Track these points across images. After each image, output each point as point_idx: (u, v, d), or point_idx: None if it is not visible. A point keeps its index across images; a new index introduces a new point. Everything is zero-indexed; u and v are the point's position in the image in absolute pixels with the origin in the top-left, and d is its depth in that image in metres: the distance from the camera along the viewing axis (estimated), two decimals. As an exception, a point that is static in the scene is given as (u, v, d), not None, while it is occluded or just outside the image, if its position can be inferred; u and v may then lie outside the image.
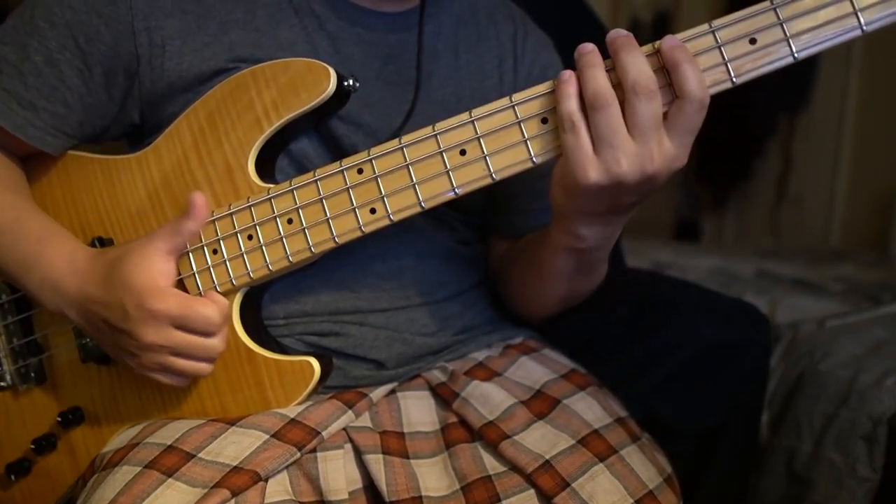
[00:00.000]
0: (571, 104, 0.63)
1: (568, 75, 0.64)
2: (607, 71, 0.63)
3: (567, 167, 0.64)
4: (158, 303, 0.66)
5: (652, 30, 3.21)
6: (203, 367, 0.71)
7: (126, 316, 0.67)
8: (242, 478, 0.66)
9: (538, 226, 0.87)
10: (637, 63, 0.61)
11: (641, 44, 0.64)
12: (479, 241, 0.94)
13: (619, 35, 0.63)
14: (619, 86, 0.62)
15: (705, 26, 0.62)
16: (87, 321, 0.72)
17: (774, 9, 0.61)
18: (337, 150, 0.78)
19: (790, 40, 0.61)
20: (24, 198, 0.79)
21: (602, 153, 0.62)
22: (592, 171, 0.63)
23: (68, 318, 0.73)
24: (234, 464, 0.67)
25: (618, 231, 0.74)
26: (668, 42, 0.61)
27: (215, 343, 0.70)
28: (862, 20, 0.60)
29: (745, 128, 2.92)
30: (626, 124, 0.62)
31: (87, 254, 0.73)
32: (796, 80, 2.87)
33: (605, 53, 0.64)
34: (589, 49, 0.63)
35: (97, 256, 0.72)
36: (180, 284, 0.73)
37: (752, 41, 0.62)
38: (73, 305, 0.72)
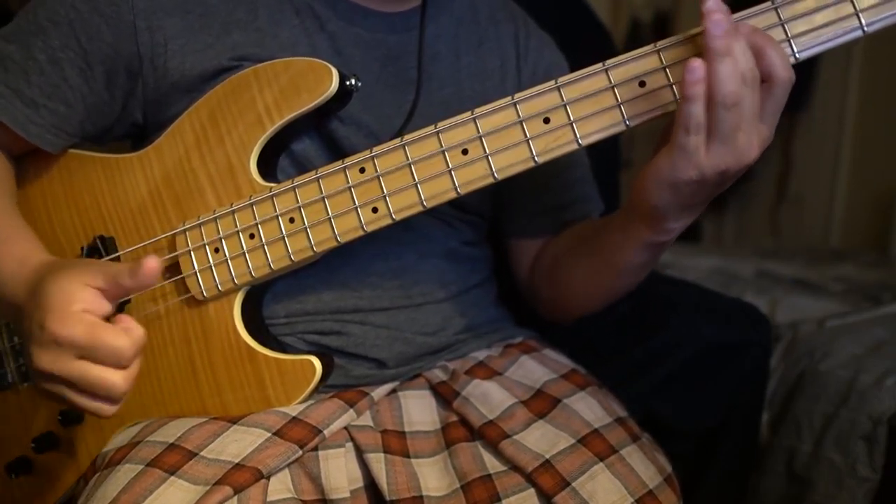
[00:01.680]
0: (699, 107, 0.59)
1: (699, 74, 0.58)
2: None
3: (677, 165, 0.62)
4: (62, 327, 0.59)
5: (652, 30, 3.22)
6: (101, 406, 0.62)
7: (31, 335, 0.62)
8: (244, 475, 0.66)
9: (567, 221, 0.87)
10: (745, 54, 0.59)
11: (642, 44, 0.64)
12: (481, 241, 0.94)
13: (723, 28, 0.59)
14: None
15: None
16: (22, 335, 0.69)
17: (776, 9, 0.61)
18: (337, 151, 0.78)
19: (791, 41, 0.61)
20: (7, 212, 0.76)
21: (715, 149, 0.61)
22: (708, 166, 0.61)
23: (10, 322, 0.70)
24: (236, 461, 0.67)
25: (696, 216, 0.72)
26: (747, 28, 0.60)
27: (117, 380, 0.61)
28: (863, 21, 0.60)
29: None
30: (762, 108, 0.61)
31: (34, 262, 0.69)
32: (796, 80, 2.87)
33: (605, 54, 0.64)
34: (722, 28, 0.58)
35: (41, 266, 0.67)
36: (181, 284, 0.73)
37: (753, 41, 0.62)
38: (10, 312, 0.70)
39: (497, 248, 0.97)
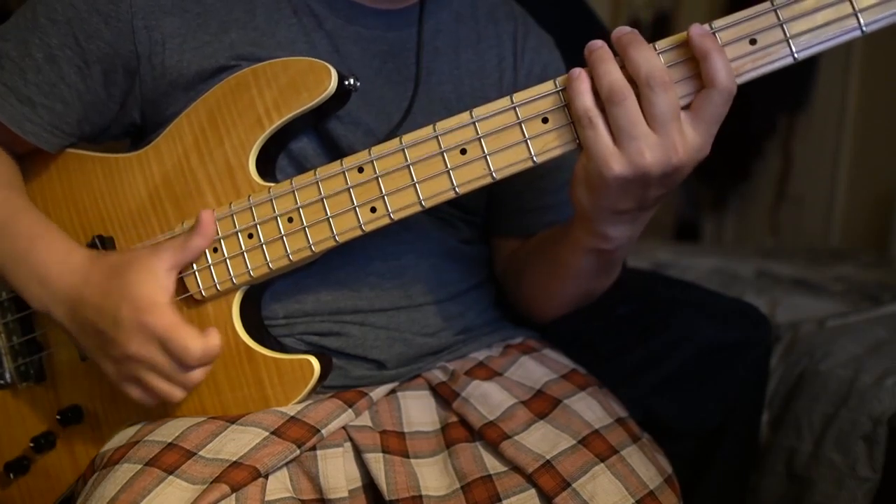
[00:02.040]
0: (586, 100, 0.63)
1: (578, 72, 0.63)
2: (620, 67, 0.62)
3: (590, 163, 0.64)
4: (153, 317, 0.67)
5: (652, 30, 3.22)
6: (174, 392, 0.71)
7: (117, 324, 0.68)
8: (241, 473, 0.66)
9: (549, 223, 0.87)
10: (648, 57, 0.61)
11: None
12: (481, 240, 0.94)
13: (623, 32, 0.62)
14: (632, 81, 0.62)
15: (706, 27, 0.62)
16: (73, 320, 0.72)
17: (775, 10, 0.61)
18: (335, 149, 0.78)
19: (790, 41, 0.61)
20: (19, 195, 0.78)
21: (624, 145, 0.62)
22: (616, 163, 0.62)
23: (53, 315, 0.73)
24: (234, 459, 0.67)
25: (641, 228, 0.73)
26: (697, 31, 0.61)
27: (194, 374, 0.70)
28: (862, 21, 0.60)
29: (745, 128, 2.92)
30: (644, 117, 0.61)
31: (83, 255, 0.73)
32: (796, 80, 2.87)
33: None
34: (599, 45, 0.63)
35: (96, 259, 0.72)
36: (180, 283, 0.73)
37: (753, 42, 0.62)
38: (61, 303, 0.72)
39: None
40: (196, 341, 0.68)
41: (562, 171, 0.91)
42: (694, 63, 0.62)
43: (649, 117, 0.61)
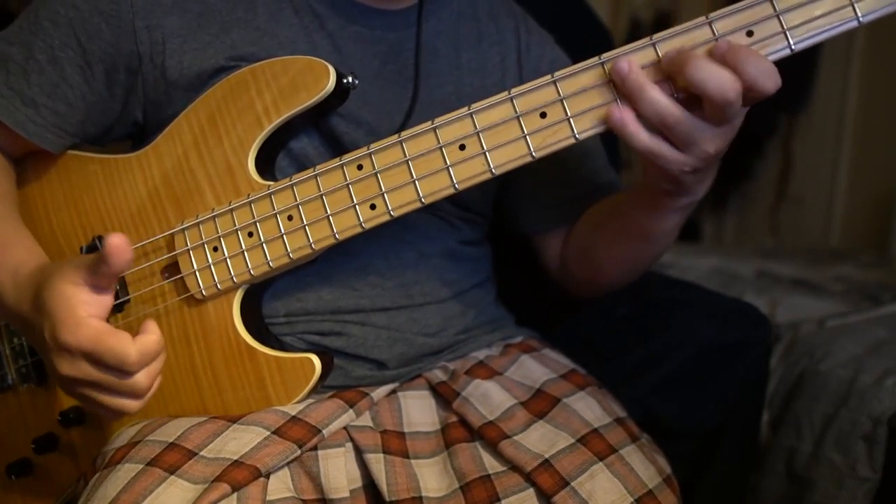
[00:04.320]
0: (642, 138, 0.64)
1: (619, 116, 0.63)
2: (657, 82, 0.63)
3: (667, 172, 0.66)
4: (69, 335, 0.61)
5: (652, 30, 3.21)
6: (128, 403, 0.64)
7: (44, 344, 0.64)
8: (242, 472, 0.66)
9: (596, 202, 0.88)
10: (716, 74, 0.60)
11: None
12: (482, 240, 0.94)
13: (680, 51, 0.62)
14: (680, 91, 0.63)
15: (702, 18, 0.62)
16: (28, 338, 0.71)
17: (771, 1, 0.61)
18: (337, 149, 0.78)
19: (787, 32, 0.61)
20: (6, 217, 0.77)
21: (690, 150, 0.64)
22: (687, 165, 0.65)
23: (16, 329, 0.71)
24: (235, 458, 0.67)
25: (715, 172, 0.73)
26: (721, 48, 0.60)
27: (138, 380, 0.62)
28: (858, 11, 0.60)
29: (745, 128, 2.92)
30: (706, 120, 0.63)
31: (28, 268, 0.69)
32: (796, 80, 2.87)
33: (604, 49, 0.64)
34: (626, 71, 0.63)
35: (35, 273, 0.68)
36: (180, 283, 0.73)
37: (750, 33, 0.62)
38: (12, 320, 0.71)
39: (497, 248, 0.97)
40: (127, 345, 0.60)
41: (594, 158, 0.92)
42: None
43: (717, 120, 0.63)
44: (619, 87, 0.63)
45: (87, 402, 0.65)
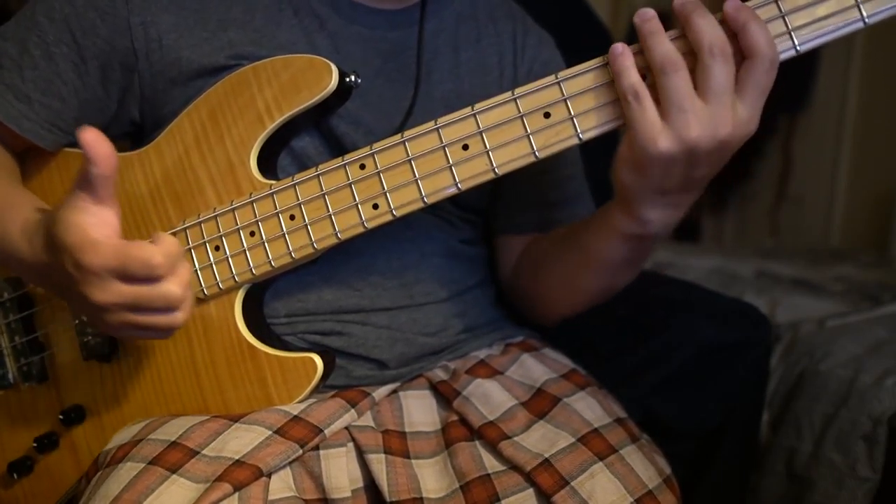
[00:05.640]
0: (633, 75, 0.62)
1: (621, 48, 0.63)
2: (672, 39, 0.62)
3: (635, 141, 0.63)
4: (91, 257, 0.60)
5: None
6: (172, 317, 0.63)
7: (70, 278, 0.62)
8: (244, 472, 0.66)
9: (569, 217, 0.86)
10: (712, 24, 0.60)
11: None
12: (481, 240, 0.94)
13: (687, 0, 0.61)
14: (685, 53, 0.61)
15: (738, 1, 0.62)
16: (53, 288, 0.69)
17: (776, 1, 0.61)
18: (338, 148, 0.78)
19: (792, 33, 0.61)
20: (6, 174, 0.77)
21: (672, 119, 0.61)
22: (663, 139, 0.61)
23: (42, 288, 0.71)
24: (236, 458, 0.67)
25: (681, 215, 0.72)
26: (732, 4, 0.60)
27: (171, 288, 0.61)
28: (864, 12, 0.60)
29: (745, 128, 2.92)
30: (697, 88, 0.61)
31: (35, 219, 0.68)
32: (796, 80, 2.87)
33: (604, 49, 0.64)
34: (650, 15, 0.62)
35: (41, 220, 0.67)
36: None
37: (755, 33, 0.61)
38: (33, 275, 0.70)
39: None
40: (151, 249, 0.60)
41: (566, 167, 0.91)
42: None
43: (704, 89, 0.60)
44: (637, 28, 0.62)
45: (126, 329, 0.64)
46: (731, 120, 0.61)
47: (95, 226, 0.60)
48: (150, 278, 0.60)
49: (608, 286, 0.84)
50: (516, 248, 0.93)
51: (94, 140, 0.58)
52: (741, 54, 0.61)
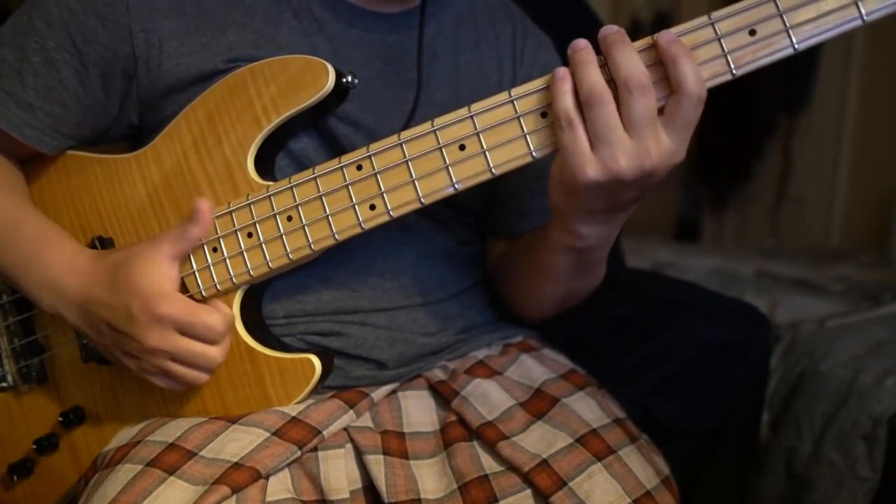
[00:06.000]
0: (567, 101, 0.62)
1: (562, 73, 0.63)
2: (601, 67, 0.62)
3: (565, 165, 0.64)
4: (165, 307, 0.67)
5: (652, 29, 3.20)
6: (200, 375, 0.71)
7: (130, 319, 0.68)
8: (242, 475, 0.66)
9: (535, 226, 0.87)
10: (629, 59, 0.60)
11: None
12: (479, 241, 0.94)
13: (610, 32, 0.62)
14: (613, 82, 0.61)
15: (704, 18, 0.62)
16: (85, 322, 0.72)
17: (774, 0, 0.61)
18: (336, 150, 0.78)
19: (790, 31, 0.61)
20: (24, 200, 0.79)
21: (599, 150, 0.62)
22: (591, 168, 0.62)
23: (65, 317, 0.73)
24: (235, 460, 0.67)
25: (617, 229, 0.74)
26: (665, 37, 0.61)
27: (215, 353, 0.70)
28: (863, 10, 0.59)
29: (745, 128, 2.93)
30: (621, 121, 0.61)
31: (88, 255, 0.73)
32: (796, 79, 2.87)
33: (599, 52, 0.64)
34: (581, 46, 0.63)
35: (100, 258, 0.73)
36: (181, 284, 0.74)
37: (752, 32, 0.61)
38: (71, 305, 0.72)
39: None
40: (217, 317, 0.69)
41: (541, 179, 0.91)
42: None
43: (626, 121, 0.61)
44: (569, 58, 0.63)
45: (155, 374, 0.71)
46: (655, 151, 0.62)
47: (172, 279, 0.70)
48: (209, 341, 0.70)
49: (566, 293, 0.86)
50: (497, 252, 0.94)
51: (208, 210, 0.71)
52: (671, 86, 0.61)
